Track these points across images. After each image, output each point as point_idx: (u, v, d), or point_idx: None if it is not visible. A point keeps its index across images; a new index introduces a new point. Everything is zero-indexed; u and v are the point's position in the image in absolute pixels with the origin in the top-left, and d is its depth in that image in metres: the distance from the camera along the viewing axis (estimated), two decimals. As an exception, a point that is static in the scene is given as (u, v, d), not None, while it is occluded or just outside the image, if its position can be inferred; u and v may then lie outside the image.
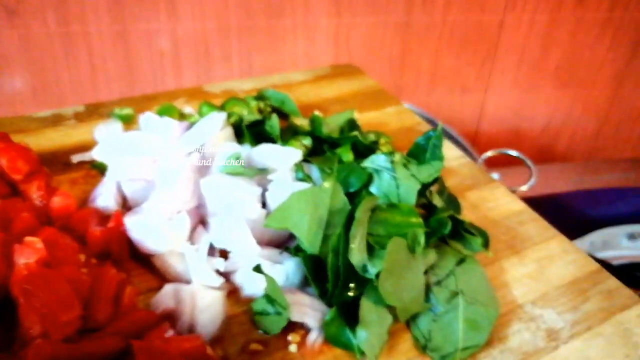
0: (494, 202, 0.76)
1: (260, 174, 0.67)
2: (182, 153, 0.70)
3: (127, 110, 0.84)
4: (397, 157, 0.66)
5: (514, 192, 0.81)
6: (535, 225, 0.73)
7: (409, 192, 0.63)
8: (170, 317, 0.57)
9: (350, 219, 0.58)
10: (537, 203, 1.35)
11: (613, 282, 0.65)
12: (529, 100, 1.68)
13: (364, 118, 0.92)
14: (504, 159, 1.15)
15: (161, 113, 0.81)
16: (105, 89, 1.35)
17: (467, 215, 0.73)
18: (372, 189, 0.66)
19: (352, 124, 0.81)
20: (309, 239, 0.58)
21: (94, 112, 0.87)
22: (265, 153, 0.70)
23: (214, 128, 0.71)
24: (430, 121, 1.32)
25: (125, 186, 0.68)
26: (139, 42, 1.32)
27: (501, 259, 0.67)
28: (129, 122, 0.84)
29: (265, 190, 0.66)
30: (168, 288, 0.58)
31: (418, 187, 0.64)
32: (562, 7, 1.52)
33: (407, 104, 1.34)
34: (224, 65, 1.40)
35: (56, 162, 0.76)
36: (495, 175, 0.91)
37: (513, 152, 0.96)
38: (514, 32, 1.53)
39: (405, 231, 0.59)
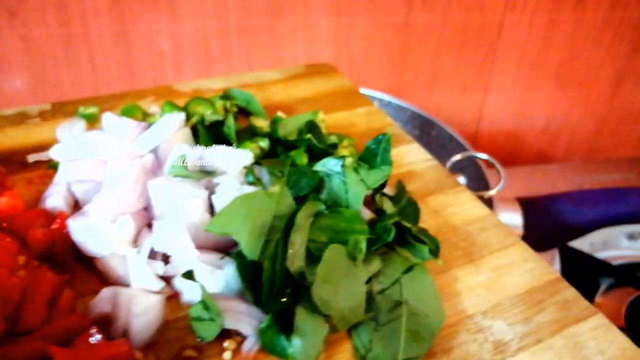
0: (456, 207, 0.71)
1: (207, 177, 0.63)
2: (134, 154, 0.66)
3: (91, 110, 0.80)
4: (348, 161, 0.61)
5: (480, 197, 0.76)
6: (497, 231, 0.67)
7: (357, 197, 0.59)
8: (106, 322, 0.53)
9: (290, 225, 0.54)
10: (536, 203, 1.30)
11: (570, 293, 0.59)
12: (529, 100, 1.62)
13: (332, 119, 0.88)
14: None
15: (124, 113, 0.77)
16: (106, 89, 1.32)
17: (426, 220, 0.68)
18: (323, 193, 0.61)
19: (311, 126, 0.76)
20: (250, 245, 0.54)
21: (60, 110, 0.83)
22: (217, 155, 0.65)
23: (170, 129, 0.67)
24: (430, 121, 1.27)
25: (75, 187, 0.64)
26: (139, 42, 1.29)
27: (456, 267, 0.62)
28: (93, 121, 0.80)
29: (213, 193, 0.62)
30: (106, 291, 0.55)
31: (365, 192, 0.59)
32: (562, 7, 1.45)
33: (407, 104, 1.30)
34: (224, 65, 1.36)
35: (14, 161, 0.73)
36: (461, 180, 0.86)
37: (483, 156, 0.91)
38: (514, 32, 1.48)
39: (348, 238, 0.55)
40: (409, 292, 0.55)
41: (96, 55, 1.28)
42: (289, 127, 0.76)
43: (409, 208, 0.68)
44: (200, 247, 0.57)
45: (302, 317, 0.51)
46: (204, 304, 0.53)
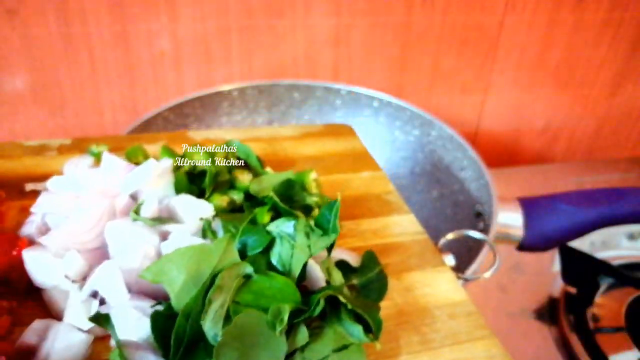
0: (432, 287, 0.62)
1: (159, 224, 0.60)
2: (109, 194, 0.64)
3: (102, 148, 0.77)
4: (301, 224, 0.56)
5: (463, 279, 0.72)
6: (468, 320, 0.58)
7: (298, 263, 0.54)
8: (29, 353, 0.50)
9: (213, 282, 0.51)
10: (536, 203, 1.28)
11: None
12: (529, 100, 1.57)
13: (330, 180, 0.81)
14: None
15: (128, 154, 0.75)
16: (106, 90, 1.30)
17: (394, 298, 0.60)
18: (273, 254, 0.56)
19: (288, 184, 0.70)
20: (179, 297, 0.50)
21: (78, 146, 0.82)
22: (181, 203, 0.62)
23: (149, 174, 0.65)
24: (430, 121, 1.25)
25: (48, 218, 0.63)
26: (139, 42, 1.26)
27: (408, 354, 0.54)
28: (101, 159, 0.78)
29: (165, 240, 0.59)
30: (37, 323, 0.52)
31: (306, 258, 0.54)
32: (562, 7, 1.41)
33: (407, 104, 1.29)
34: (225, 65, 1.34)
35: (16, 188, 0.71)
36: (450, 260, 0.83)
37: (476, 235, 0.88)
38: (514, 33, 1.43)
39: (275, 305, 0.50)
40: (333, 373, 0.48)
41: (96, 56, 1.25)
42: (264, 183, 0.70)
43: (376, 282, 0.62)
44: (141, 292, 0.55)
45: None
46: (120, 350, 0.49)
